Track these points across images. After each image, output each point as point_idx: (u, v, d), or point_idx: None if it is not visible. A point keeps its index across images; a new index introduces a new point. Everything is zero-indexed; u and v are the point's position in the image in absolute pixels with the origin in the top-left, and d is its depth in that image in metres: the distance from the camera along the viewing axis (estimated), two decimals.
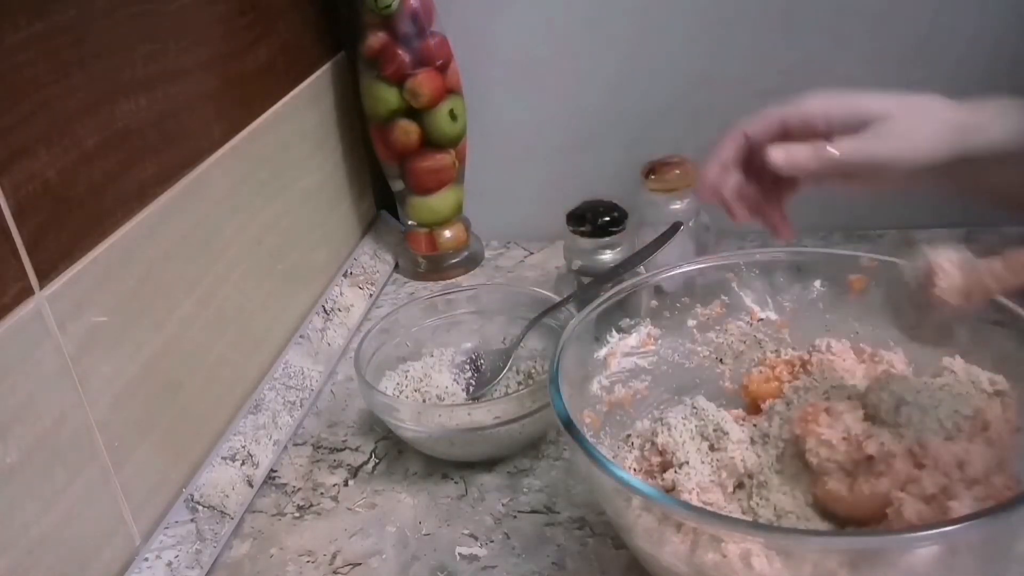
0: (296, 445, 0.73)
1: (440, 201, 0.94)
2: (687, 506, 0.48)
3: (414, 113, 0.90)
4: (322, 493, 0.68)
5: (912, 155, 0.54)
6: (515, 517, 0.64)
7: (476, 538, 0.62)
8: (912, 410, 0.51)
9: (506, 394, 0.72)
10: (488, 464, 0.68)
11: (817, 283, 0.61)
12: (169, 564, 0.59)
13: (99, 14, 0.57)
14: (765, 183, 0.58)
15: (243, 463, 0.68)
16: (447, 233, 0.96)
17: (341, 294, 0.89)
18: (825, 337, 0.60)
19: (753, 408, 0.60)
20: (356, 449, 0.72)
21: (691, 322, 0.62)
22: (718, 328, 0.62)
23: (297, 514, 0.66)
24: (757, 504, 0.53)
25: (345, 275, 0.92)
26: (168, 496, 0.63)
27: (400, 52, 0.87)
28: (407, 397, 0.72)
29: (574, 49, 0.92)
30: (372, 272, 0.95)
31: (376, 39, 0.87)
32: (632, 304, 0.62)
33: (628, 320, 0.61)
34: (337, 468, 0.70)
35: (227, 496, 0.65)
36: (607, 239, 0.80)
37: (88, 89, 0.56)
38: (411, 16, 0.87)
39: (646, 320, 0.61)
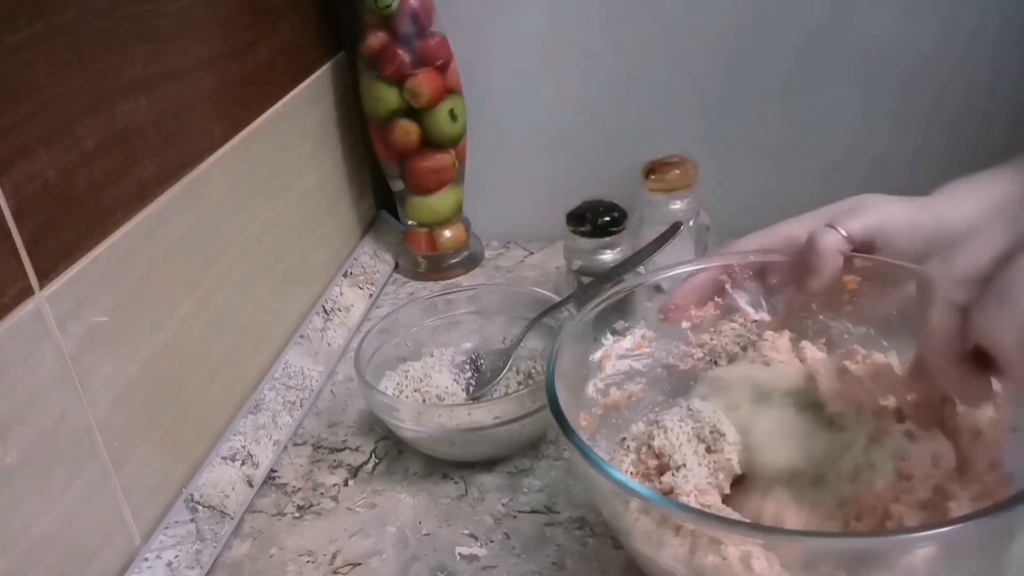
0: (296, 445, 0.73)
1: (440, 201, 0.94)
2: (686, 508, 0.48)
3: (414, 113, 0.90)
4: (322, 493, 0.68)
5: (897, 222, 0.57)
6: (515, 517, 0.64)
7: (476, 538, 0.62)
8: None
9: (506, 394, 0.72)
10: (488, 464, 0.68)
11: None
12: (169, 564, 0.59)
13: (99, 14, 0.57)
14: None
15: (243, 463, 0.68)
16: (447, 233, 0.96)
17: (341, 294, 0.89)
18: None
19: None
20: (356, 449, 0.72)
21: (685, 324, 0.62)
22: (712, 330, 0.62)
23: (297, 514, 0.66)
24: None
25: (345, 275, 0.92)
26: (168, 496, 0.63)
27: (400, 52, 0.87)
28: (407, 397, 0.72)
29: (574, 49, 0.92)
30: (372, 272, 0.95)
31: (376, 39, 0.87)
32: (628, 306, 0.62)
33: (623, 322, 0.61)
34: (337, 468, 0.70)
35: (227, 496, 0.65)
36: (607, 239, 0.80)
37: (88, 89, 0.56)
38: (411, 16, 0.87)
39: (640, 322, 0.61)
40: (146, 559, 0.58)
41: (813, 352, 0.60)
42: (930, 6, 0.82)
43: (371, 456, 0.71)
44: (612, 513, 0.49)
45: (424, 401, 0.72)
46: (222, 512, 0.64)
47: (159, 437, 0.62)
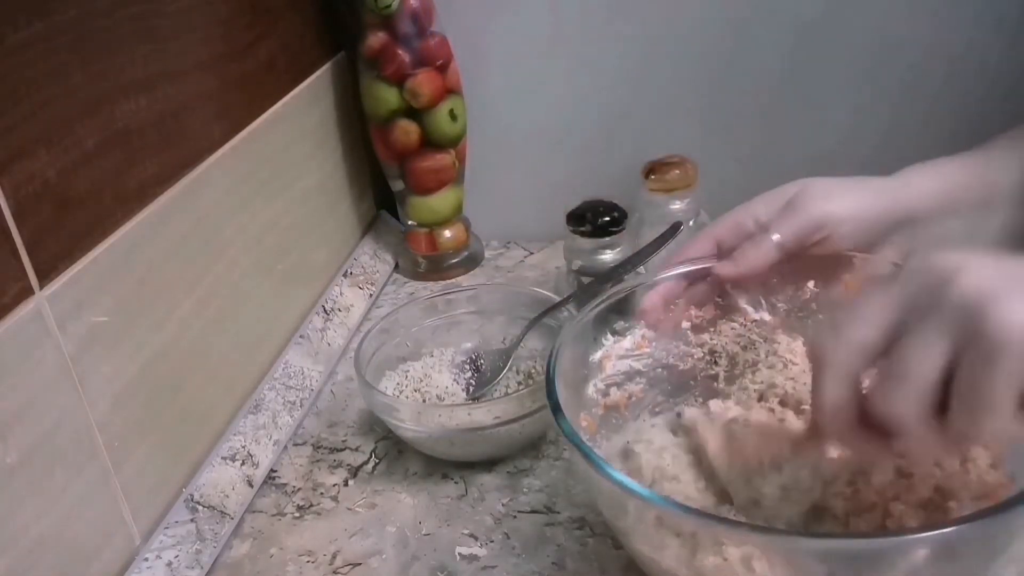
0: (296, 445, 0.73)
1: (440, 201, 0.94)
2: (687, 509, 0.47)
3: (414, 113, 0.90)
4: (322, 493, 0.68)
5: (841, 211, 0.57)
6: (515, 517, 0.64)
7: (476, 538, 0.62)
8: None
9: (506, 394, 0.72)
10: (488, 464, 0.68)
11: (810, 284, 0.61)
12: (169, 564, 0.59)
13: (99, 14, 0.57)
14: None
15: (243, 463, 0.68)
16: (447, 233, 0.96)
17: (341, 294, 0.89)
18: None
19: None
20: (356, 449, 0.72)
21: (685, 324, 0.62)
22: (712, 330, 0.62)
23: (297, 514, 0.66)
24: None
25: (345, 275, 0.92)
26: (168, 496, 0.63)
27: (400, 52, 0.87)
28: (407, 397, 0.72)
29: (574, 49, 0.92)
30: (372, 272, 0.95)
31: (376, 39, 0.87)
32: (628, 306, 0.62)
33: (622, 322, 0.61)
34: (337, 468, 0.70)
35: (227, 496, 0.65)
36: (607, 239, 0.80)
37: (88, 89, 0.56)
38: (411, 16, 0.87)
39: (640, 322, 0.61)
40: (146, 559, 0.58)
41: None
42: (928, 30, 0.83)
43: (371, 456, 0.71)
44: (613, 514, 0.49)
45: (424, 401, 0.72)
46: (222, 512, 0.64)
47: (159, 437, 0.62)
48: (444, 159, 0.92)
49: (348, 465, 0.71)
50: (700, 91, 0.91)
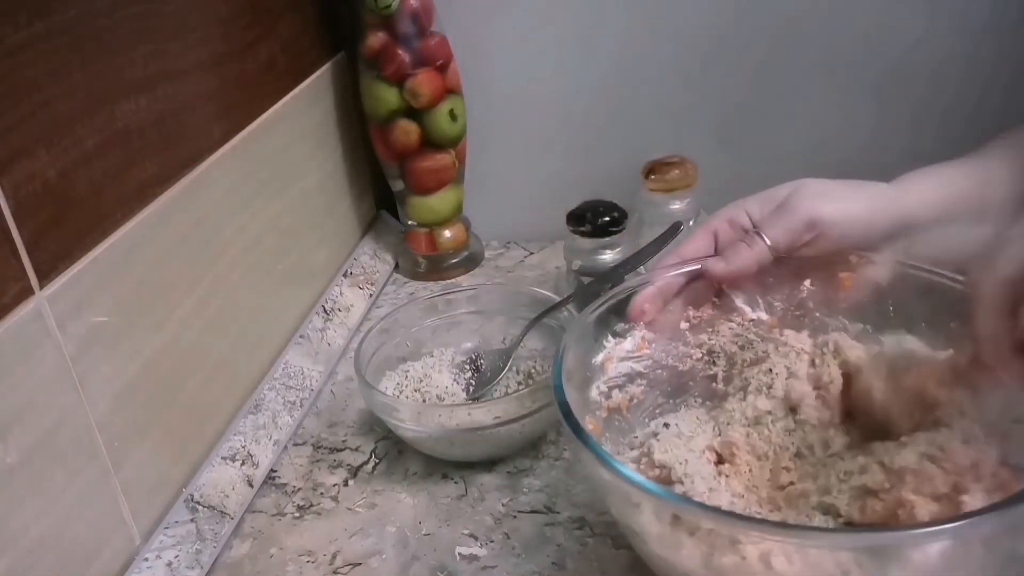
0: (296, 445, 0.73)
1: (440, 201, 0.94)
2: (704, 507, 0.47)
3: (414, 113, 0.90)
4: (322, 493, 0.68)
5: (833, 213, 0.57)
6: (515, 517, 0.64)
7: (476, 538, 0.62)
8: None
9: (506, 394, 0.72)
10: (488, 464, 0.68)
11: (807, 282, 0.61)
12: (169, 564, 0.59)
13: (99, 14, 0.57)
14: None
15: (243, 463, 0.68)
16: (447, 233, 0.96)
17: (341, 294, 0.89)
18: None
19: None
20: (356, 449, 0.72)
21: (683, 324, 0.62)
22: (710, 330, 0.62)
23: (297, 514, 0.66)
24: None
25: (345, 275, 0.92)
26: (168, 496, 0.63)
27: (400, 52, 0.87)
28: (407, 397, 0.72)
29: (574, 49, 0.92)
30: (372, 272, 0.95)
31: (376, 39, 0.87)
32: (628, 307, 0.61)
33: (623, 324, 0.61)
34: (337, 468, 0.70)
35: (227, 496, 0.65)
36: (607, 239, 0.80)
37: (88, 89, 0.56)
38: (411, 16, 0.87)
39: (641, 324, 0.61)
40: (146, 559, 0.58)
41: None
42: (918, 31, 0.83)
43: (371, 456, 0.71)
44: (627, 516, 0.48)
45: (424, 401, 0.72)
46: (222, 512, 0.64)
47: (159, 437, 0.62)
48: (444, 159, 0.92)
49: (348, 465, 0.71)
50: (700, 91, 0.91)
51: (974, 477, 0.48)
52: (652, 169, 0.83)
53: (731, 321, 0.62)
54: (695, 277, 0.61)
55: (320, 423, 0.76)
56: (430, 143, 0.91)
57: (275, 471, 0.70)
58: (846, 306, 0.61)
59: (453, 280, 0.96)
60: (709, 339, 0.62)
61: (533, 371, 0.74)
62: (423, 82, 0.88)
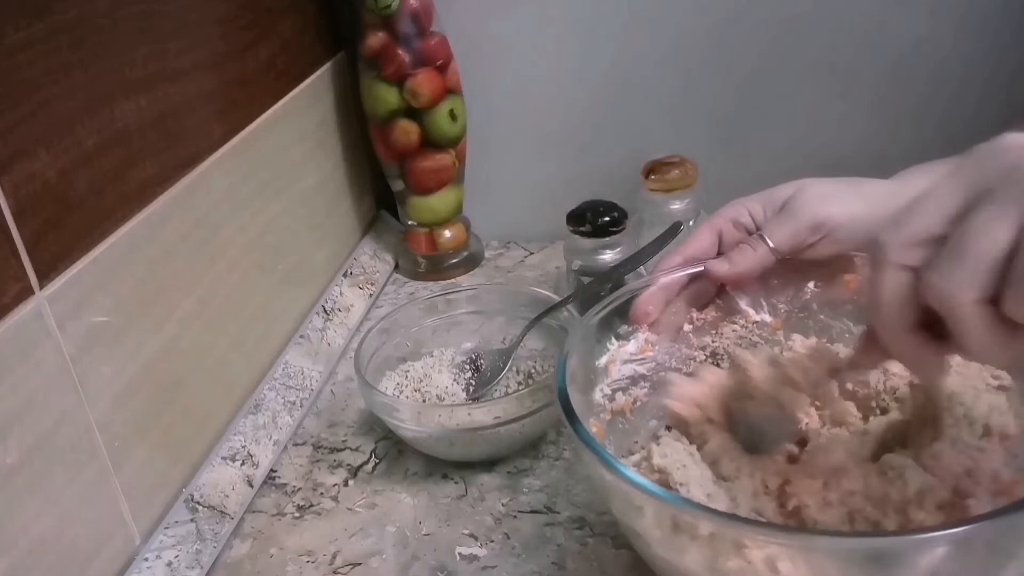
0: (296, 445, 0.73)
1: (440, 201, 0.94)
2: (709, 511, 0.46)
3: (414, 113, 0.90)
4: (322, 493, 0.68)
5: (838, 216, 0.57)
6: (515, 517, 0.64)
7: (476, 538, 0.62)
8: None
9: (506, 394, 0.72)
10: (488, 464, 0.68)
11: (811, 284, 0.61)
12: (169, 564, 0.59)
13: (99, 14, 0.57)
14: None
15: (243, 463, 0.68)
16: (447, 233, 0.96)
17: (341, 294, 0.89)
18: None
19: None
20: (356, 449, 0.72)
21: (687, 327, 0.62)
22: (713, 332, 0.62)
23: (297, 514, 0.66)
24: None
25: (345, 275, 0.92)
26: (168, 496, 0.63)
27: (400, 52, 0.87)
28: (407, 397, 0.72)
29: (574, 49, 0.92)
30: (372, 272, 0.95)
31: (376, 39, 0.87)
32: (631, 309, 0.61)
33: (626, 327, 0.61)
34: (337, 468, 0.70)
35: (227, 496, 0.65)
36: (607, 239, 0.80)
37: (88, 89, 0.56)
38: (411, 16, 0.87)
39: (644, 326, 0.61)
40: (146, 559, 0.58)
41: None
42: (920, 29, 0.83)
43: (371, 456, 0.71)
44: (632, 522, 0.48)
45: (424, 401, 0.72)
46: (222, 512, 0.64)
47: (159, 437, 0.62)
48: (444, 159, 0.92)
49: (348, 465, 0.71)
50: (700, 91, 0.91)
51: (972, 482, 0.48)
52: (652, 169, 0.83)
53: (735, 323, 0.62)
54: (697, 277, 0.61)
55: (320, 423, 0.76)
56: (430, 143, 0.91)
57: (275, 471, 0.70)
58: (850, 308, 0.61)
59: (453, 280, 0.96)
60: (712, 341, 0.62)
61: (533, 371, 0.74)
62: (423, 82, 0.88)
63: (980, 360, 0.49)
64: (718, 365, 0.62)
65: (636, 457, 0.56)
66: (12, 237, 0.50)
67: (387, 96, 0.89)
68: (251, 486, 0.67)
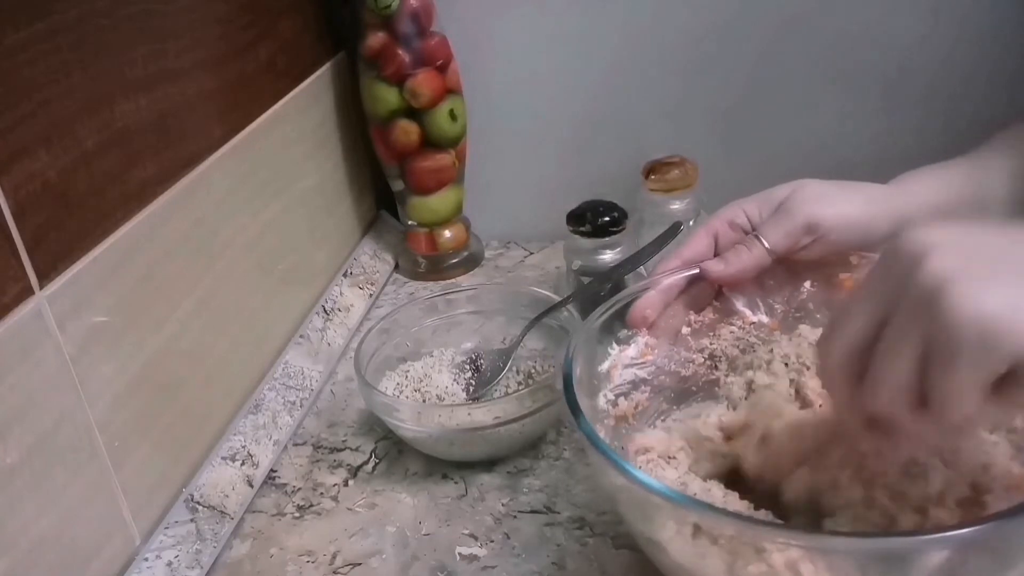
0: (296, 445, 0.73)
1: (440, 201, 0.94)
2: (730, 514, 0.45)
3: (414, 113, 0.90)
4: (322, 493, 0.68)
5: (832, 217, 0.57)
6: (515, 517, 0.64)
7: (476, 538, 0.62)
8: None
9: (506, 394, 0.72)
10: (488, 464, 0.68)
11: (807, 284, 0.61)
12: (169, 564, 0.59)
13: (99, 14, 0.57)
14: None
15: (243, 463, 0.68)
16: (447, 233, 0.96)
17: (341, 294, 0.89)
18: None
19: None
20: (356, 449, 0.72)
21: (685, 329, 0.62)
22: (711, 334, 0.62)
23: (297, 514, 0.66)
24: None
25: (345, 275, 0.92)
26: (168, 496, 0.63)
27: (400, 52, 0.87)
28: (407, 397, 0.72)
29: (574, 49, 0.92)
30: (372, 272, 0.95)
31: (376, 39, 0.87)
32: (629, 313, 0.61)
33: (626, 331, 0.60)
34: (337, 468, 0.70)
35: (227, 496, 0.65)
36: (607, 239, 0.80)
37: (88, 89, 0.56)
38: (411, 16, 0.87)
39: (643, 329, 0.61)
40: (146, 559, 0.58)
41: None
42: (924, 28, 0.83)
43: (371, 456, 0.71)
44: (648, 529, 0.47)
45: (424, 401, 0.72)
46: (222, 512, 0.64)
47: (159, 437, 0.62)
48: (444, 159, 0.92)
49: (348, 465, 0.71)
50: (700, 91, 0.91)
51: (989, 477, 0.48)
52: (652, 169, 0.83)
53: (732, 324, 0.62)
54: (695, 280, 0.61)
55: (320, 423, 0.76)
56: (430, 143, 0.91)
57: (275, 471, 0.70)
58: None
59: (453, 280, 0.96)
60: (711, 343, 0.62)
61: (533, 371, 0.74)
62: (423, 82, 0.88)
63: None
64: (716, 367, 0.62)
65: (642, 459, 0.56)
66: (12, 237, 0.50)
67: (387, 96, 0.89)
68: (251, 486, 0.67)
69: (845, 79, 0.87)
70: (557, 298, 0.74)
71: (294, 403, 0.76)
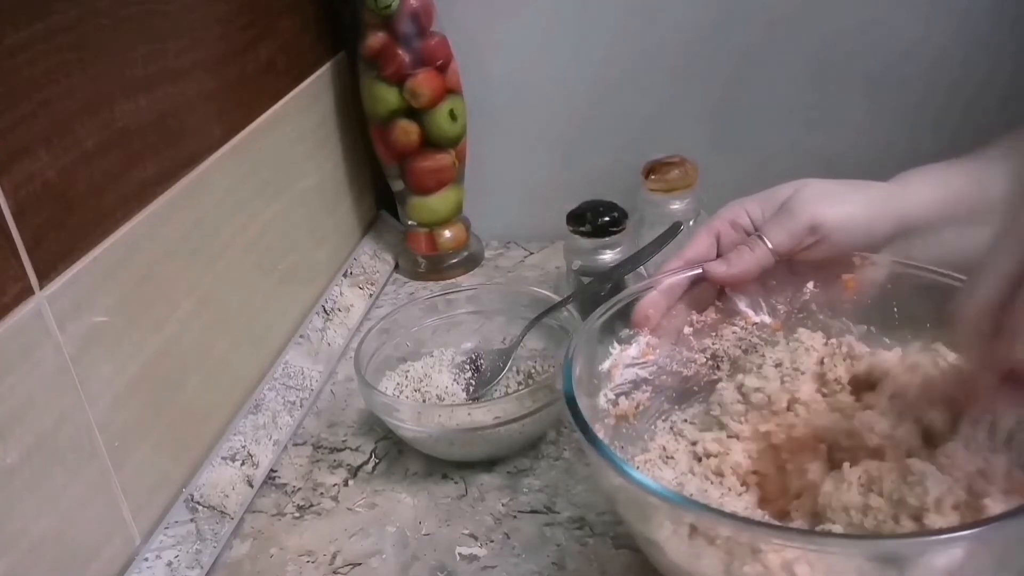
0: (296, 445, 0.73)
1: (440, 201, 0.94)
2: (725, 514, 0.45)
3: (414, 113, 0.90)
4: (322, 493, 0.68)
5: (835, 217, 0.57)
6: (515, 517, 0.64)
7: (476, 538, 0.62)
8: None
9: (506, 394, 0.72)
10: (488, 464, 0.68)
11: (810, 284, 0.61)
12: (169, 564, 0.59)
13: (99, 14, 0.57)
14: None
15: (243, 463, 0.68)
16: (447, 233, 0.96)
17: (341, 294, 0.89)
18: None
19: None
20: (356, 449, 0.72)
21: (687, 329, 0.62)
22: (713, 334, 0.62)
23: (297, 514, 0.66)
24: None
25: (345, 275, 0.92)
26: (168, 496, 0.63)
27: (400, 52, 0.87)
28: (407, 397, 0.72)
29: (574, 49, 0.92)
30: (372, 272, 0.95)
31: (376, 39, 0.87)
32: (633, 312, 0.61)
33: (627, 330, 0.60)
34: (337, 468, 0.70)
35: (227, 496, 0.65)
36: (607, 239, 0.80)
37: (88, 89, 0.56)
38: (411, 16, 0.87)
39: (644, 329, 0.61)
40: (146, 559, 0.58)
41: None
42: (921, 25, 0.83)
43: (371, 456, 0.71)
44: (645, 529, 0.48)
45: (424, 401, 0.72)
46: (222, 512, 0.64)
47: (159, 437, 0.62)
48: (444, 159, 0.92)
49: (348, 465, 0.71)
50: (700, 91, 0.91)
51: (986, 482, 0.48)
52: (652, 169, 0.83)
53: (734, 325, 0.62)
54: (697, 280, 0.61)
55: (320, 423, 0.76)
56: (430, 143, 0.91)
57: (275, 471, 0.70)
58: (850, 308, 0.61)
59: (453, 280, 0.96)
60: (713, 343, 0.62)
61: (533, 371, 0.74)
62: (423, 82, 0.88)
63: None
64: (718, 367, 0.62)
65: (643, 458, 0.56)
66: (12, 237, 0.50)
67: (387, 96, 0.89)
68: (251, 486, 0.67)
69: (844, 79, 0.87)
70: (557, 298, 0.74)
71: (294, 403, 0.76)
